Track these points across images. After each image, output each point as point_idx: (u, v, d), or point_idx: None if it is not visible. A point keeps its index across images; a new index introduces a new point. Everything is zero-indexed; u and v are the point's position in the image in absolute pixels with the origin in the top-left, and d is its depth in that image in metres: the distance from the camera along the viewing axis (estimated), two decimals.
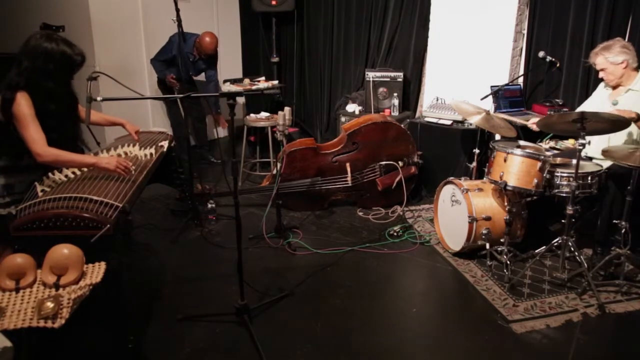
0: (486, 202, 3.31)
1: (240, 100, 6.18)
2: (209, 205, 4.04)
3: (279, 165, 3.86)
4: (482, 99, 3.97)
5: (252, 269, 3.17)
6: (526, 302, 2.91)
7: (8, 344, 1.80)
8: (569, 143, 3.64)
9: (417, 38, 4.99)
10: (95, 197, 2.19)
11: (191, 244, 3.68)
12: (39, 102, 2.33)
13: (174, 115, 5.10)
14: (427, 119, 4.47)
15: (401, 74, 4.91)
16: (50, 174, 2.46)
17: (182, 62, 4.61)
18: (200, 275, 3.25)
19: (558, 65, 4.09)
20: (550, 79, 4.22)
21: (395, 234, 3.79)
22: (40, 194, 2.29)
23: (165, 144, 3.07)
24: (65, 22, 4.60)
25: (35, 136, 2.29)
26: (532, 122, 3.46)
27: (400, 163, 4.14)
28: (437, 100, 4.60)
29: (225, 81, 5.55)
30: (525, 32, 4.28)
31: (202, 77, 5.35)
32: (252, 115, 4.98)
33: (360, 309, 2.88)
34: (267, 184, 4.31)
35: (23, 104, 2.28)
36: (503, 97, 4.18)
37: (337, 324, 2.74)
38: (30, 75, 2.31)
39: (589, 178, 3.05)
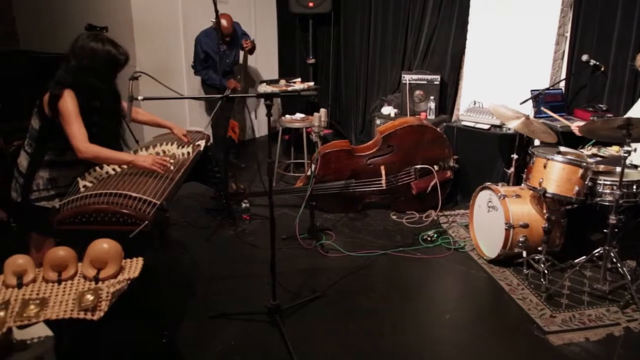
0: (524, 209, 3.24)
1: (276, 101, 6.23)
2: (243, 205, 4.09)
3: (313, 166, 3.88)
4: (521, 103, 3.89)
5: (285, 269, 3.19)
6: (564, 313, 2.83)
7: (50, 333, 1.86)
8: (613, 150, 3.52)
9: (455, 40, 4.93)
10: (134, 194, 2.24)
11: (225, 243, 3.73)
12: (83, 99, 2.40)
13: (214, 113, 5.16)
14: (464, 123, 4.41)
15: (438, 76, 4.86)
16: (92, 170, 2.54)
17: (218, 60, 4.67)
18: (233, 274, 3.30)
19: (602, 69, 3.96)
20: (594, 83, 4.09)
21: (429, 238, 3.74)
22: (82, 189, 2.36)
23: (202, 143, 3.12)
24: (108, 23, 4.74)
25: (77, 132, 2.36)
26: (576, 125, 3.37)
27: (436, 167, 4.10)
28: (475, 104, 4.53)
29: (261, 82, 5.60)
30: (568, 35, 4.16)
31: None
32: (287, 116, 5.01)
33: (392, 313, 2.86)
34: (301, 185, 4.33)
35: (68, 101, 2.35)
36: (544, 101, 4.08)
37: (369, 327, 2.73)
38: (77, 73, 2.39)
39: (634, 187, 2.94)
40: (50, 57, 5.13)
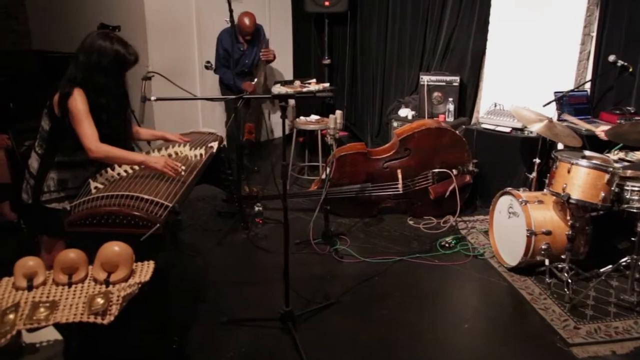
0: (546, 215, 3.20)
1: (291, 102, 6.24)
2: (256, 208, 4.09)
3: (328, 169, 3.87)
4: (544, 105, 3.85)
5: (298, 274, 3.17)
6: (589, 324, 2.78)
7: (59, 337, 1.88)
8: None
9: (475, 40, 4.89)
10: (146, 196, 2.26)
11: (237, 247, 3.74)
12: (92, 97, 2.43)
13: (230, 115, 5.19)
14: (484, 126, 4.38)
15: (457, 78, 4.83)
16: (103, 171, 2.56)
17: (237, 59, 4.69)
18: (245, 279, 3.30)
19: (631, 70, 3.90)
20: (621, 85, 4.02)
21: (447, 245, 3.72)
22: (93, 190, 2.38)
23: (215, 144, 3.13)
24: (121, 22, 4.79)
25: (87, 132, 2.38)
26: (601, 130, 3.32)
27: (454, 171, 4.07)
28: (495, 106, 4.49)
29: (275, 83, 5.62)
30: (594, 34, 4.11)
31: None
32: (302, 117, 5.02)
33: (408, 322, 2.84)
34: (316, 189, 4.33)
35: (78, 100, 2.38)
36: (568, 103, 4.03)
37: (384, 335, 2.72)
38: (85, 70, 2.42)
39: None
40: (62, 57, 5.21)
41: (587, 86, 4.18)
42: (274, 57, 5.22)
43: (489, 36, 4.66)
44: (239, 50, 4.99)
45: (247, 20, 4.80)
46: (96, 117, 2.43)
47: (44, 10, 6.20)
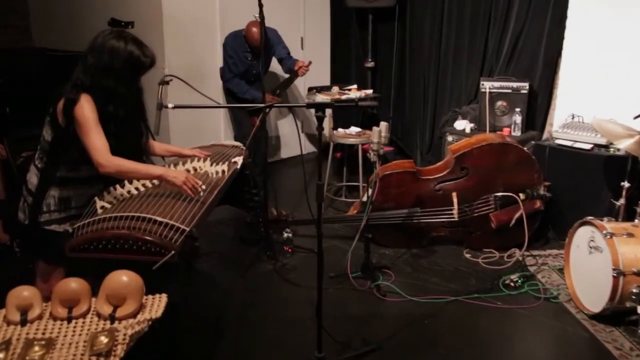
0: (638, 252, 3.10)
1: (327, 112, 6.26)
2: (285, 235, 4.11)
3: (370, 191, 3.85)
4: (635, 117, 3.76)
5: (333, 314, 3.14)
6: None
7: None
8: None
9: (548, 39, 4.85)
10: (159, 218, 2.28)
11: (261, 279, 3.76)
12: (101, 105, 2.47)
13: (239, 125, 5.27)
14: (558, 141, 4.32)
15: (526, 84, 4.79)
16: (111, 188, 2.60)
17: (244, 70, 4.75)
18: (270, 317, 3.30)
19: None
20: None
21: (512, 284, 3.66)
22: (99, 210, 2.42)
23: (240, 160, 3.16)
24: (135, 17, 4.91)
25: (97, 143, 2.43)
26: None
27: (522, 195, 4.00)
28: (573, 118, 4.44)
29: (310, 89, 5.65)
30: None
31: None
32: (340, 130, 5.03)
33: None
34: (355, 213, 4.32)
35: (86, 107, 2.42)
36: None
37: None
38: (94, 74, 2.47)
39: None
40: (68, 57, 5.37)
41: None
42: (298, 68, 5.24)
43: (566, 34, 4.61)
44: (246, 60, 5.06)
45: (256, 31, 4.82)
46: (106, 127, 2.47)
47: (47, 2, 6.41)
